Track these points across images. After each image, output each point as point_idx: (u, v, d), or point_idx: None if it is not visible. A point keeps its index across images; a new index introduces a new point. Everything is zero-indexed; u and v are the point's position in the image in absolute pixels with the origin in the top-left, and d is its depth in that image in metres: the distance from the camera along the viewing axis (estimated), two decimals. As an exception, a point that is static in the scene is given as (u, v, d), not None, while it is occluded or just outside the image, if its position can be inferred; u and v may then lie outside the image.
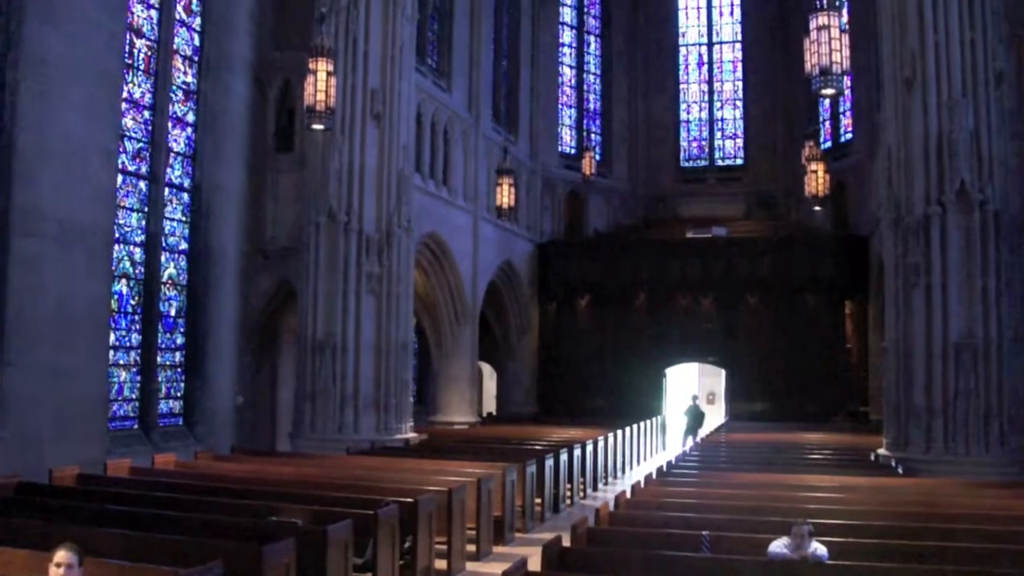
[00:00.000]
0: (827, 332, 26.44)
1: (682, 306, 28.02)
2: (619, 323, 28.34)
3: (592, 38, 33.67)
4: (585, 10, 33.44)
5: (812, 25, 10.72)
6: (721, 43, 34.42)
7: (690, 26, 34.68)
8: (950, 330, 13.52)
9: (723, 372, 28.25)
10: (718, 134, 34.11)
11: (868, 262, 24.63)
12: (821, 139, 28.20)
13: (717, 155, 33.99)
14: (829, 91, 10.77)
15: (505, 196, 21.81)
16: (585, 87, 33.19)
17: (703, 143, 34.22)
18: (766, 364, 26.72)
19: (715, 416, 27.61)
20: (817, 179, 20.81)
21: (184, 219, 16.95)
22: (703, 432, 22.87)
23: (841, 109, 28.46)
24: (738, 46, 34.09)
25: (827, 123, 29.56)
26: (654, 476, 11.84)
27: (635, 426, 22.12)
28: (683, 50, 34.57)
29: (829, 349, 26.33)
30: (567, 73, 32.69)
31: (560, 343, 28.89)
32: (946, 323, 13.55)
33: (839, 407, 25.67)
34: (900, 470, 13.37)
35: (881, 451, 14.71)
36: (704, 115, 34.30)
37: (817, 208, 23.16)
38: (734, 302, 27.50)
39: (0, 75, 12.72)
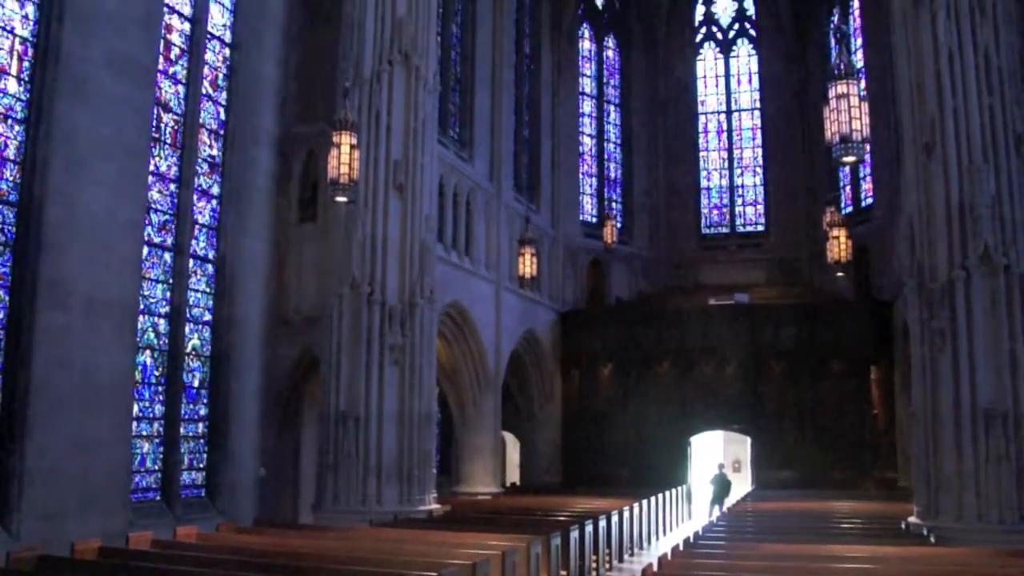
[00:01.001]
0: (853, 398, 26.12)
1: (705, 374, 27.79)
2: (642, 391, 28.12)
3: (612, 108, 34.02)
4: (604, 80, 33.85)
5: (831, 94, 10.75)
6: (740, 111, 34.68)
7: (709, 95, 34.99)
8: (978, 395, 13.33)
9: (748, 440, 27.92)
10: (738, 201, 34.19)
11: (892, 327, 24.43)
12: (842, 204, 28.23)
13: (738, 222, 34.04)
14: (850, 159, 10.76)
15: (527, 266, 21.85)
16: (606, 156, 33.46)
17: (724, 210, 34.30)
18: (792, 431, 26.38)
19: (741, 484, 27.22)
20: (839, 245, 20.75)
21: (208, 290, 17.08)
22: (729, 501, 22.53)
23: (861, 174, 28.51)
24: (757, 113, 34.33)
25: (847, 188, 29.60)
26: (681, 547, 11.64)
27: (660, 495, 21.82)
28: (702, 118, 34.85)
29: (856, 415, 25.99)
30: (587, 142, 32.99)
31: (583, 412, 28.67)
32: (974, 388, 13.37)
33: (867, 474, 25.27)
34: (932, 539, 13.08)
35: (912, 519, 14.42)
36: (724, 182, 34.43)
37: (840, 274, 23.05)
38: (758, 369, 27.26)
39: (31, 150, 12.99)
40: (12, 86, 13.02)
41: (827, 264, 22.30)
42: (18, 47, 13.12)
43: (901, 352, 22.42)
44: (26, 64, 13.22)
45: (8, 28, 12.97)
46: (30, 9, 13.30)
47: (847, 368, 26.37)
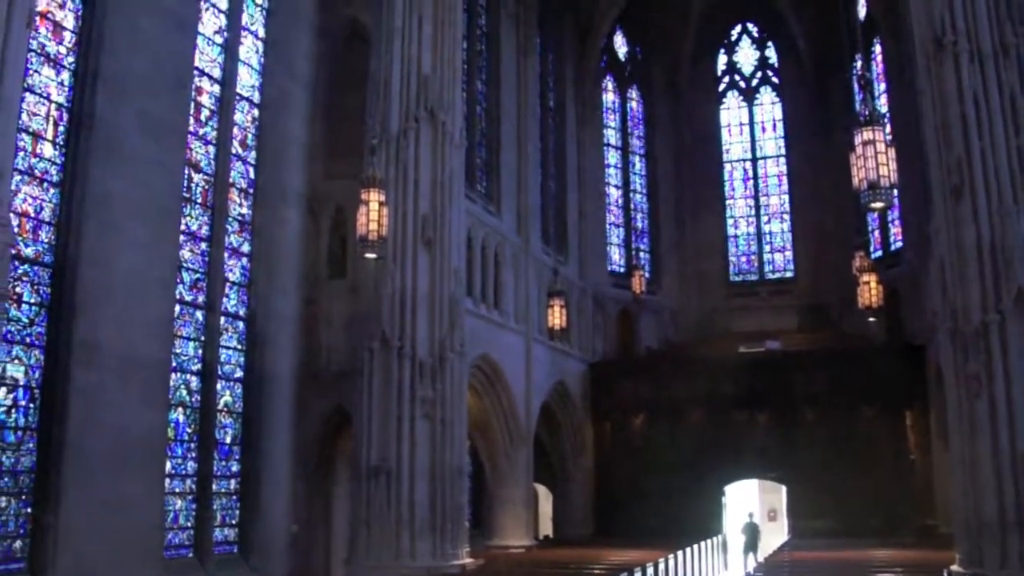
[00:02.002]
0: (889, 443, 25.75)
1: (738, 422, 27.52)
2: (674, 441, 27.87)
3: (637, 158, 34.17)
4: (629, 131, 34.05)
5: (857, 140, 10.74)
6: (765, 158, 34.75)
7: (733, 142, 35.10)
8: (1017, 439, 13.09)
9: (783, 488, 27.56)
10: (766, 248, 34.12)
11: (926, 371, 24.15)
12: (871, 248, 28.09)
13: (766, 269, 33.94)
14: (878, 204, 10.73)
15: (556, 317, 21.81)
16: (632, 206, 33.54)
17: (752, 257, 34.23)
18: (827, 479, 25.97)
19: (777, 534, 26.85)
20: (870, 290, 20.61)
21: (240, 347, 17.18)
22: (763, 550, 22.20)
23: (890, 218, 28.38)
24: (782, 160, 34.38)
25: (876, 232, 29.46)
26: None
27: (695, 546, 21.55)
28: (728, 166, 34.93)
29: (892, 461, 25.61)
30: (614, 193, 33.11)
31: (615, 463, 28.45)
32: (1012, 432, 13.13)
33: (906, 521, 24.80)
34: (975, 588, 12.82)
35: (954, 568, 14.11)
36: (752, 229, 34.40)
37: (872, 319, 22.84)
38: (791, 416, 26.98)
39: (66, 212, 13.22)
40: (48, 150, 13.28)
41: (858, 309, 22.13)
42: (54, 113, 13.40)
43: (936, 396, 22.13)
44: (61, 129, 13.49)
45: (44, 95, 13.26)
46: (65, 76, 13.60)
47: (881, 414, 26.05)
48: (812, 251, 32.49)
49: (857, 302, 21.47)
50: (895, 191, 10.93)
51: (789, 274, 33.52)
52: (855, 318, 27.12)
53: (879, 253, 28.48)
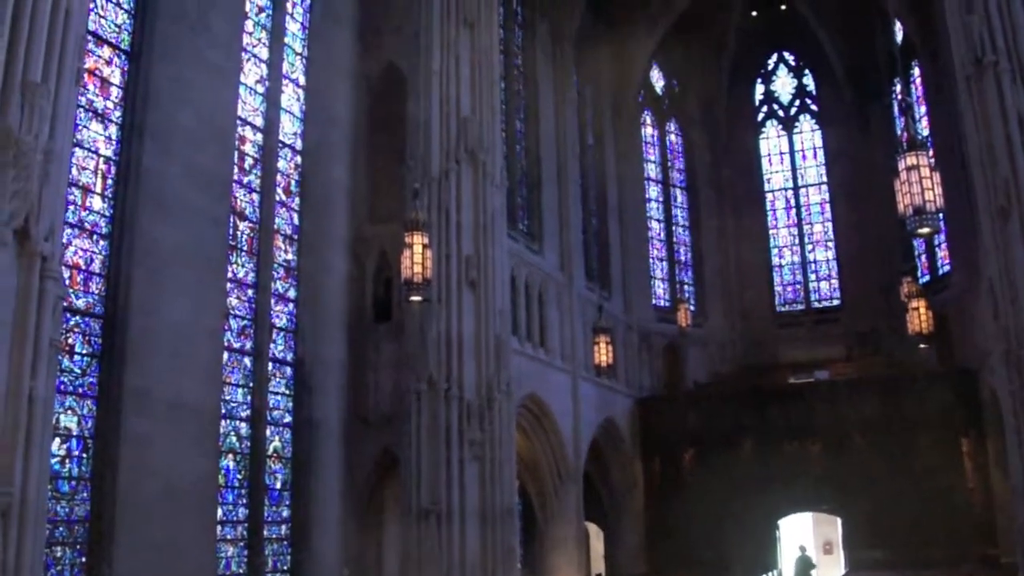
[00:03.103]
0: (945, 471, 25.19)
1: (789, 454, 27.12)
2: (725, 475, 27.46)
3: (678, 191, 34.07)
4: (668, 164, 33.98)
5: (900, 166, 10.65)
6: (807, 186, 34.46)
7: (774, 172, 34.87)
8: (1079, 465, 12.81)
9: (838, 520, 27.07)
10: (812, 276, 33.75)
11: (980, 396, 23.69)
12: (918, 274, 27.70)
13: (813, 298, 33.55)
14: (925, 230, 10.60)
15: (603, 354, 21.69)
16: (675, 239, 33.39)
17: (797, 286, 33.87)
18: (883, 509, 25.43)
19: (833, 567, 26.34)
20: (919, 316, 20.29)
21: (288, 392, 17.28)
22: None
23: (936, 241, 27.98)
24: (824, 187, 34.08)
25: (923, 257, 29.07)
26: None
27: (751, 582, 21.21)
28: (769, 196, 34.68)
29: (949, 489, 25.03)
30: (655, 227, 32.99)
31: (666, 498, 28.13)
32: (1074, 458, 12.85)
33: (967, 551, 24.19)
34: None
35: (1019, 598, 13.79)
36: (796, 258, 34.07)
37: (923, 346, 22.47)
38: (843, 446, 26.52)
39: (115, 264, 13.44)
40: (97, 203, 13.53)
41: (908, 336, 21.80)
42: (102, 166, 13.68)
43: (992, 422, 21.68)
44: (109, 182, 13.76)
45: (93, 149, 13.54)
46: (113, 130, 13.89)
47: (936, 441, 25.52)
48: (858, 278, 32.07)
49: (906, 328, 21.16)
50: (941, 215, 10.80)
51: (836, 302, 33.10)
52: (905, 345, 26.69)
53: (927, 278, 28.08)
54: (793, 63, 35.15)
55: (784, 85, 35.33)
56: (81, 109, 13.13)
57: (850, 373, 28.78)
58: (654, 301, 31.70)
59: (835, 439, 26.59)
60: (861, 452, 26.26)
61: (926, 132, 27.19)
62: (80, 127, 13.19)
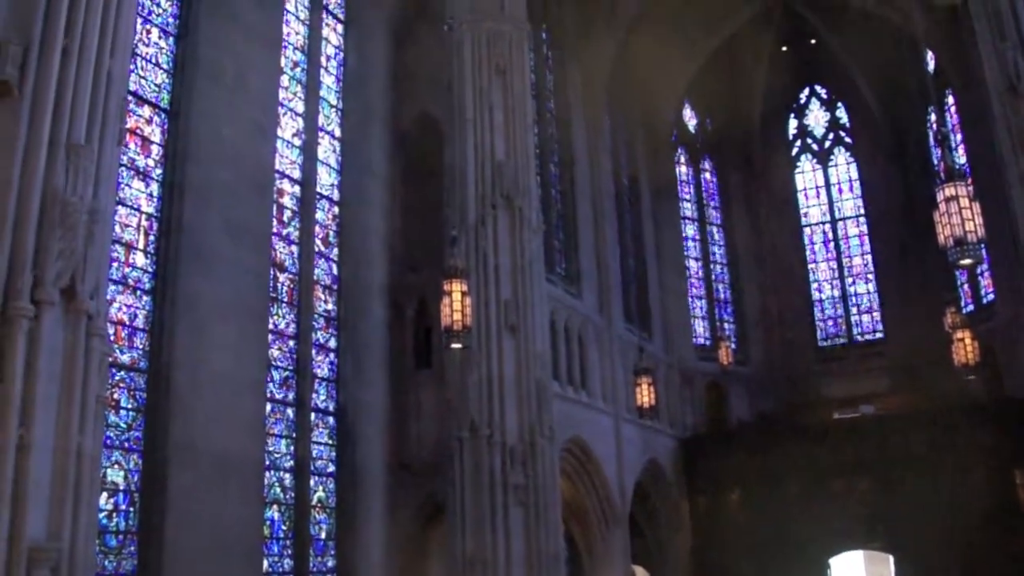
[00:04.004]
0: (1000, 506, 24.61)
1: (837, 491, 26.67)
2: (773, 514, 27.06)
3: (714, 228, 33.98)
4: (704, 203, 33.94)
5: (939, 197, 10.54)
6: (845, 219, 34.25)
7: (811, 206, 34.71)
8: None
9: (890, 557, 26.54)
10: (853, 310, 33.41)
11: (1032, 427, 23.25)
12: (962, 304, 27.34)
13: (855, 331, 33.19)
14: (967, 261, 10.47)
15: (645, 395, 21.52)
16: (713, 277, 33.25)
17: (839, 320, 33.55)
18: (936, 545, 24.85)
19: (890, 607, 25.83)
20: (965, 347, 19.94)
21: (330, 442, 17.32)
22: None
23: (979, 270, 27.63)
24: (862, 220, 33.85)
25: (966, 286, 28.71)
26: None
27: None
28: (807, 230, 34.49)
29: (1004, 524, 24.42)
30: (693, 265, 32.88)
31: (714, 538, 27.73)
32: None
33: (1024, 586, 23.65)
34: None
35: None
36: (837, 292, 33.77)
37: (970, 377, 22.09)
38: (892, 482, 26.03)
39: (158, 318, 13.61)
40: (140, 259, 13.76)
41: (954, 367, 21.48)
42: (144, 223, 13.92)
43: (1046, 455, 21.26)
44: (151, 238, 13.99)
45: (135, 206, 13.79)
46: (154, 187, 14.14)
47: (988, 475, 25.00)
48: (901, 310, 31.70)
49: (952, 360, 20.84)
50: (983, 245, 10.66)
51: (879, 335, 32.71)
52: (951, 376, 26.29)
53: (970, 308, 27.70)
54: (825, 96, 35.12)
55: (817, 119, 35.29)
56: (123, 168, 13.38)
57: (896, 407, 28.37)
58: (695, 340, 31.50)
59: (883, 474, 26.14)
60: (911, 487, 25.78)
61: (963, 160, 26.98)
62: (122, 185, 13.44)
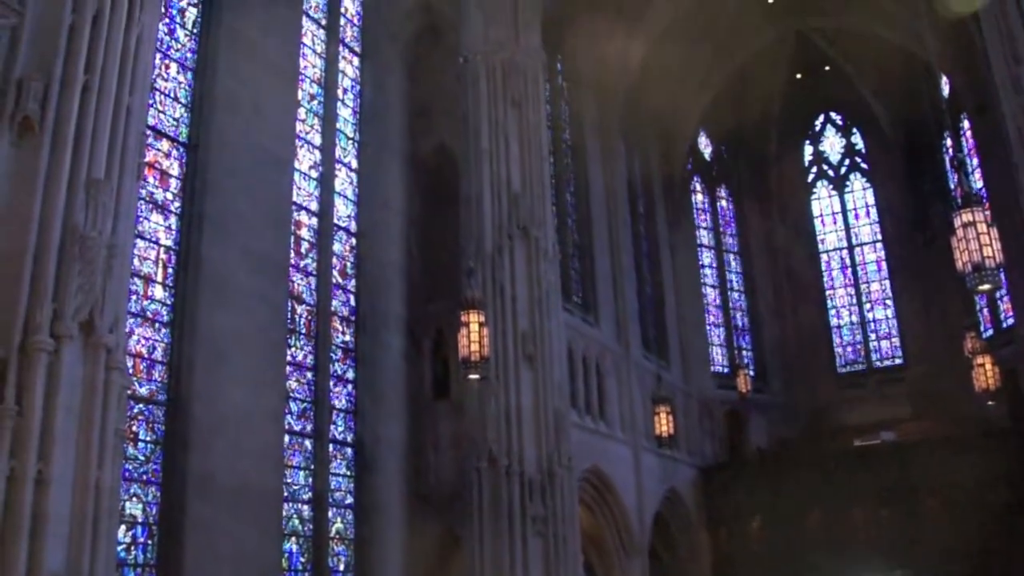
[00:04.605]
0: (1022, 531, 24.34)
1: (859, 519, 26.39)
2: (794, 543, 26.76)
3: (731, 256, 33.90)
4: (721, 230, 33.89)
5: (957, 223, 10.47)
6: (862, 245, 34.13)
7: (828, 232, 34.61)
8: None
9: (915, 587, 26.22)
10: (872, 336, 33.20)
11: (1055, 452, 22.97)
12: (981, 328, 27.15)
13: (874, 357, 32.96)
14: (985, 287, 10.38)
15: (663, 424, 21.42)
16: (731, 304, 33.13)
17: (858, 347, 33.33)
18: (959, 573, 24.56)
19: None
20: (986, 373, 19.76)
21: (348, 474, 17.28)
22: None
23: (998, 294, 27.44)
24: (879, 245, 33.73)
25: (985, 311, 28.51)
26: None
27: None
28: (824, 256, 34.39)
29: (1028, 548, 24.17)
30: (711, 293, 32.77)
31: (734, 568, 27.41)
32: None
33: (1053, 615, 23.28)
34: None
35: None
36: (855, 318, 33.59)
37: (991, 403, 21.89)
38: (915, 509, 25.74)
39: (177, 351, 13.72)
40: (159, 292, 13.83)
41: (975, 392, 21.30)
42: (163, 256, 14.00)
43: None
44: (170, 271, 14.06)
45: (154, 239, 13.88)
46: (173, 220, 14.23)
47: (1014, 500, 24.66)
48: (920, 336, 31.50)
49: (973, 384, 20.67)
50: (1001, 271, 10.59)
51: (898, 361, 32.48)
52: (972, 402, 26.08)
53: (990, 332, 27.48)
54: (840, 123, 35.10)
55: (833, 145, 35.25)
56: (142, 201, 13.48)
57: (917, 433, 28.08)
58: (713, 368, 31.36)
59: (905, 502, 25.86)
60: (933, 515, 25.50)
61: (980, 185, 26.87)
62: (141, 219, 13.53)
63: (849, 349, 33.39)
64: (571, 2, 23.38)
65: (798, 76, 32.85)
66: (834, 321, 33.67)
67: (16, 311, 7.95)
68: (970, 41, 21.93)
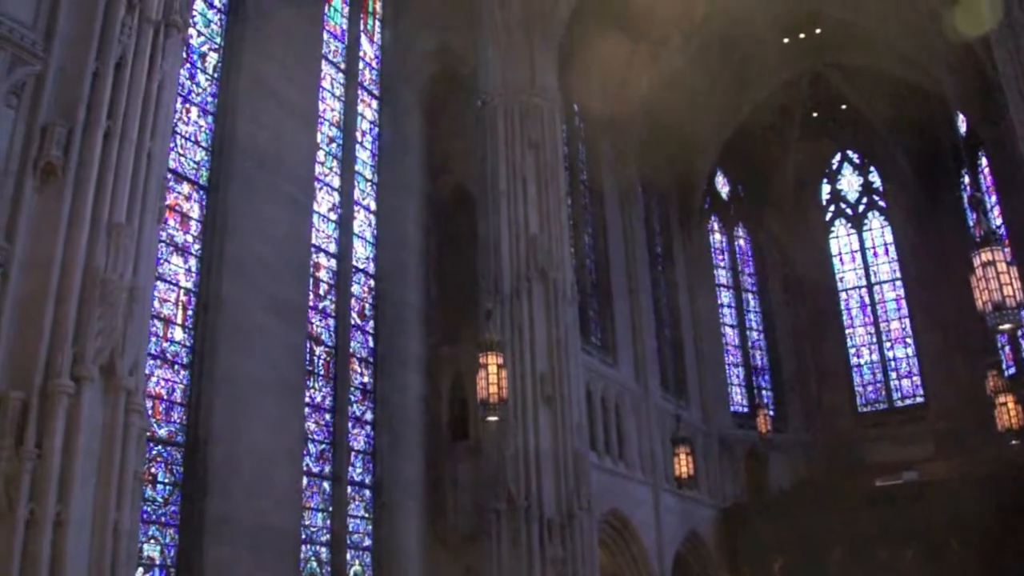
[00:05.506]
0: (1054, 572, 23.95)
1: (882, 560, 26.00)
2: (818, 586, 26.51)
3: (749, 295, 33.81)
4: (739, 269, 33.84)
5: (976, 262, 10.45)
6: (881, 283, 33.97)
7: (847, 270, 34.49)
8: None
9: (941, 629, 25.78)
10: (892, 374, 32.96)
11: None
12: (1003, 367, 26.89)
13: (895, 396, 32.69)
14: (1006, 326, 10.35)
15: (683, 466, 21.28)
16: (750, 344, 32.99)
17: (878, 385, 33.08)
18: (987, 616, 24.19)
19: None
20: (1008, 411, 19.65)
21: (367, 515, 17.21)
22: None
23: (1020, 332, 27.20)
24: (899, 283, 33.56)
25: (1007, 349, 28.27)
26: None
27: None
28: (843, 295, 34.23)
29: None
30: (730, 333, 32.65)
31: (757, 611, 27.17)
32: None
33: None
34: None
35: None
36: (875, 357, 33.35)
37: (1014, 442, 21.65)
38: (939, 551, 25.36)
39: (196, 393, 13.71)
40: (178, 334, 13.90)
41: (997, 431, 21.08)
42: (183, 298, 14.08)
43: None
44: (189, 313, 14.14)
45: (174, 281, 13.97)
46: (192, 262, 14.33)
47: (1036, 540, 24.35)
48: (941, 374, 31.20)
49: (996, 424, 20.48)
50: (1022, 309, 10.53)
51: (920, 400, 32.19)
52: (995, 440, 25.79)
53: (1012, 370, 27.24)
54: (857, 161, 35.08)
55: (850, 183, 35.21)
56: (162, 244, 13.59)
57: (940, 473, 27.75)
58: (732, 407, 31.17)
59: (929, 543, 25.51)
60: (957, 556, 25.10)
61: (999, 222, 26.78)
62: (162, 261, 13.63)
63: (870, 388, 33.14)
64: (587, 45, 23.55)
65: (814, 114, 32.91)
66: (854, 360, 33.45)
67: (37, 354, 8.00)
68: (985, 78, 21.99)
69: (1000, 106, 19.41)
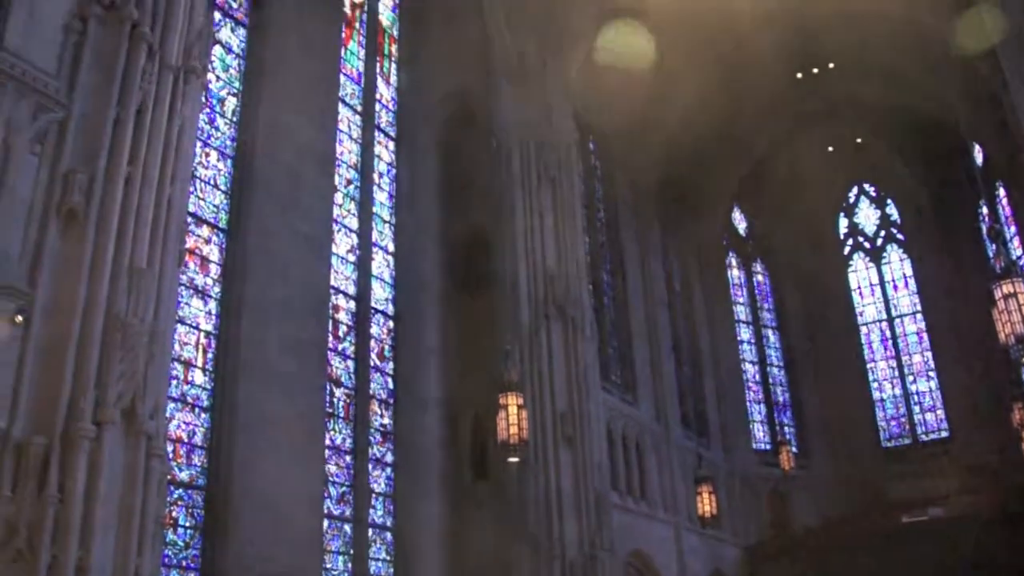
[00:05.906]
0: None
1: (909, 598, 25.70)
2: (844, 625, 26.08)
3: (769, 331, 33.66)
4: (758, 305, 33.71)
5: (997, 295, 10.41)
6: (901, 316, 33.76)
7: (867, 304, 34.30)
8: None
9: (974, 672, 25.28)
10: (916, 408, 32.64)
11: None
12: (1028, 399, 26.57)
13: (919, 430, 32.36)
14: (1031, 358, 10.26)
15: (706, 504, 21.04)
16: (770, 380, 32.78)
17: (902, 420, 32.76)
18: (1012, 652, 23.70)
19: None
20: (1035, 444, 19.43)
21: (388, 558, 17.08)
22: None
23: (1045, 364, 26.94)
24: (919, 316, 33.32)
25: (1032, 380, 27.96)
26: None
27: None
28: (864, 329, 34.02)
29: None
30: (750, 369, 32.46)
31: (784, 652, 26.73)
32: None
33: None
34: None
35: None
36: (898, 391, 33.06)
37: (1042, 475, 21.37)
38: (968, 587, 25.02)
39: (216, 435, 13.69)
40: (199, 377, 13.90)
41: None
42: (203, 340, 14.10)
43: None
44: (210, 355, 14.15)
45: (194, 324, 14.00)
46: (212, 305, 14.37)
47: (1067, 574, 23.92)
48: (965, 408, 30.85)
49: (1022, 456, 20.22)
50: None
51: (944, 434, 31.84)
52: (1022, 473, 25.46)
53: (1038, 402, 26.91)
54: (874, 194, 35.04)
55: (867, 217, 35.16)
56: (182, 287, 13.64)
57: (967, 508, 27.36)
58: (754, 445, 30.91)
59: (959, 579, 25.14)
60: (988, 592, 24.74)
61: (1019, 253, 26.61)
62: (182, 304, 13.67)
63: (893, 423, 32.83)
64: (601, 82, 23.64)
65: (830, 149, 32.92)
66: (876, 394, 33.18)
67: (59, 398, 8.02)
68: (999, 105, 21.94)
69: (1016, 136, 19.37)
